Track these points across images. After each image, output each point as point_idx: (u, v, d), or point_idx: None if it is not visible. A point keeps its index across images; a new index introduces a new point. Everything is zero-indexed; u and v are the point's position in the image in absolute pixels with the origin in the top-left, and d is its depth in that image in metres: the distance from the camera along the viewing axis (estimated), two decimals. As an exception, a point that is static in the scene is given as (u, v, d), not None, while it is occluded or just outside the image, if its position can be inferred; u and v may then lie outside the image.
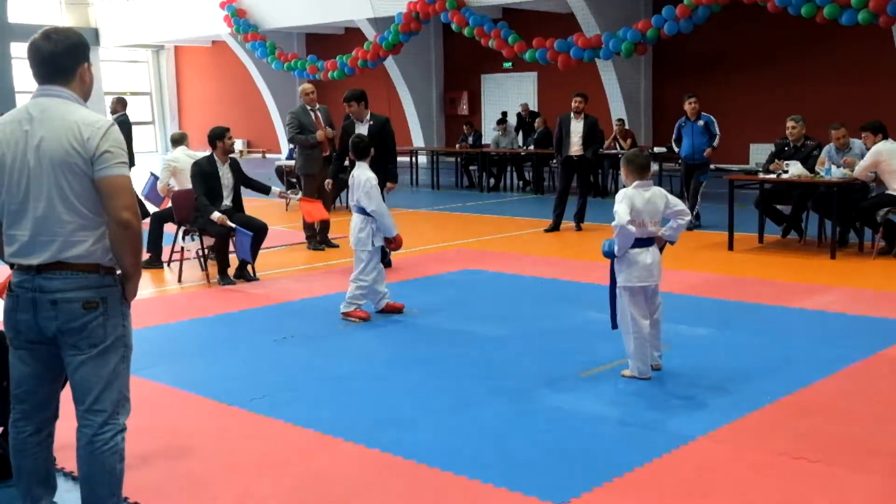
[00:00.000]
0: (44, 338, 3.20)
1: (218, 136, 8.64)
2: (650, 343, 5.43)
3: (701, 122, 11.82)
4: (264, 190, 9.09)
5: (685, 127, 11.98)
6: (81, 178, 3.11)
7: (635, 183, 5.33)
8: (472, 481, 3.98)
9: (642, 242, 5.31)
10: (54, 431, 3.47)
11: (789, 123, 10.36)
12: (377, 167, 7.49)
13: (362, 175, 6.90)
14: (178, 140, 10.73)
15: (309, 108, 10.58)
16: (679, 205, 5.42)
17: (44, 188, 3.11)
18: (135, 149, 13.41)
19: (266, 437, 4.62)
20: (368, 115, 8.88)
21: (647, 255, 5.32)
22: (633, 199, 5.27)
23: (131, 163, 12.96)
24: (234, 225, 8.36)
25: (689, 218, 5.46)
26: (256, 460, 4.30)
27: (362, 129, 8.63)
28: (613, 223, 5.24)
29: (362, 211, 6.89)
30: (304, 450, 4.41)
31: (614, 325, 5.51)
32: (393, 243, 6.99)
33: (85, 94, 3.29)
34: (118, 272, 3.25)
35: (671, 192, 5.78)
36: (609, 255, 5.38)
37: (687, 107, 11.91)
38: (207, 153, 8.72)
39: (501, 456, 4.28)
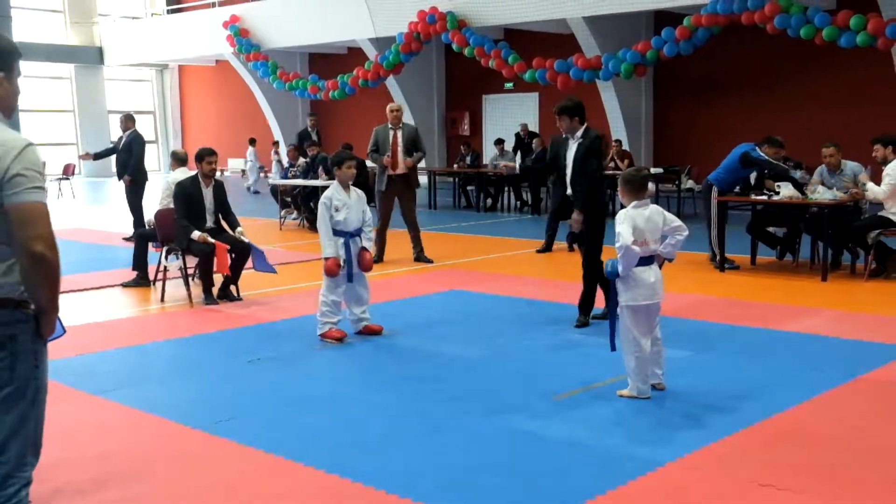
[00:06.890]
0: None
1: (198, 157, 8.55)
2: (653, 361, 5.44)
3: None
4: (231, 224, 8.70)
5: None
6: None
7: (633, 203, 5.34)
8: (430, 509, 3.89)
9: (645, 261, 5.33)
10: None
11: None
12: None
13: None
14: (182, 159, 10.28)
15: (391, 126, 10.65)
16: (675, 221, 5.41)
17: None
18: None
19: (223, 460, 4.52)
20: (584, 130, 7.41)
21: (651, 274, 5.34)
22: (635, 219, 5.29)
23: (143, 179, 12.75)
24: (213, 241, 8.24)
25: (686, 233, 5.41)
26: (208, 484, 4.21)
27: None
28: (617, 245, 5.21)
29: None
30: (259, 474, 4.30)
31: (613, 348, 5.46)
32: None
33: (4, 108, 2.95)
34: (32, 306, 2.88)
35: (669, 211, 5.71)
36: (613, 275, 5.34)
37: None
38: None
39: (464, 483, 4.17)
